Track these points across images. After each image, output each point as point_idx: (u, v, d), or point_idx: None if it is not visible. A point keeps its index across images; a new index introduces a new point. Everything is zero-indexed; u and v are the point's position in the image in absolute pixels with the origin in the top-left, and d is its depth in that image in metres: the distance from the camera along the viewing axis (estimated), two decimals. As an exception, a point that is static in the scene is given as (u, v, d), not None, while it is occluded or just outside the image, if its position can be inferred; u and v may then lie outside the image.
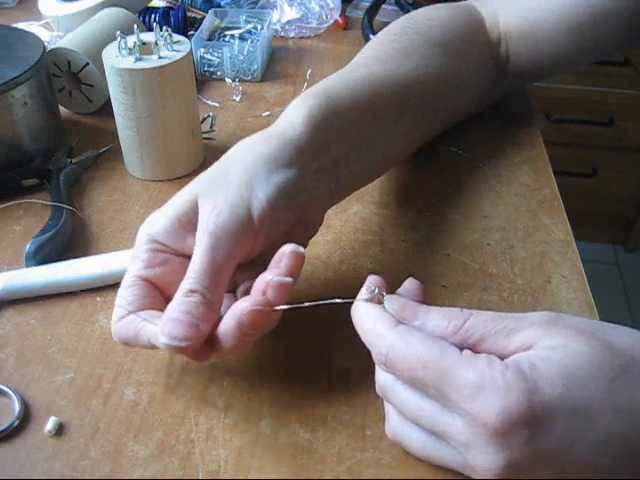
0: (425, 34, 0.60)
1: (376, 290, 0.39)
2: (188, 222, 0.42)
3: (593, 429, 0.32)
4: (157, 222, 0.43)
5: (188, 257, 0.42)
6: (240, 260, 0.42)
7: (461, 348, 0.35)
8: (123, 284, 0.43)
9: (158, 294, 0.43)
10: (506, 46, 0.64)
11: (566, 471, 0.33)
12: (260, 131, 0.47)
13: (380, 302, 0.38)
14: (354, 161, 0.50)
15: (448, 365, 0.33)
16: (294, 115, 0.47)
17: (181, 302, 0.39)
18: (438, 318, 0.36)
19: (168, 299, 0.41)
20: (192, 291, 0.39)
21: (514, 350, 0.35)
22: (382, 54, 0.58)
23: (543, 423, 0.32)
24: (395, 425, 0.38)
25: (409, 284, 0.40)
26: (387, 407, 0.39)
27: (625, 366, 0.33)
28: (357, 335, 0.47)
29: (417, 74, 0.56)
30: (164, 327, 0.38)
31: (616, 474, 0.33)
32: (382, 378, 0.38)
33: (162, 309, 0.41)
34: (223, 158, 0.45)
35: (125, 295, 0.42)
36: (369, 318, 0.37)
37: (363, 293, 0.39)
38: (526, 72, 0.66)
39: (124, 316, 0.41)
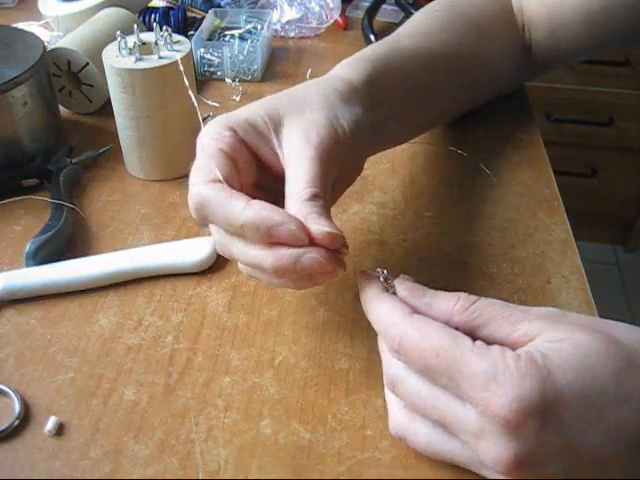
0: (463, 14, 0.63)
1: (385, 272, 0.40)
2: (265, 128, 0.43)
3: (603, 418, 0.32)
4: (237, 115, 0.43)
5: (253, 158, 0.43)
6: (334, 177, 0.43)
7: (465, 329, 0.36)
8: (205, 155, 0.41)
9: (235, 174, 0.41)
10: (529, 32, 0.66)
11: (575, 462, 0.33)
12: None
13: (389, 287, 0.39)
14: (393, 125, 0.52)
15: (461, 354, 0.34)
16: (348, 72, 0.48)
17: (312, 209, 0.39)
18: (446, 298, 0.37)
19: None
20: (316, 196, 0.39)
21: (517, 339, 0.35)
22: (425, 27, 0.60)
23: (555, 412, 0.32)
24: (399, 420, 0.38)
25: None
26: (390, 403, 0.39)
27: (630, 357, 0.34)
28: (357, 335, 0.47)
29: (456, 50, 0.59)
30: (317, 226, 0.38)
31: (624, 464, 0.33)
32: (392, 370, 0.38)
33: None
34: (293, 90, 0.46)
35: (209, 163, 0.40)
36: (383, 307, 0.38)
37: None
38: (546, 59, 0.67)
39: (209, 181, 0.40)
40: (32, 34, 0.66)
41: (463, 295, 0.37)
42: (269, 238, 0.38)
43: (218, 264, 0.53)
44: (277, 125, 0.43)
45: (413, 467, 0.39)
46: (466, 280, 0.52)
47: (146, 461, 0.40)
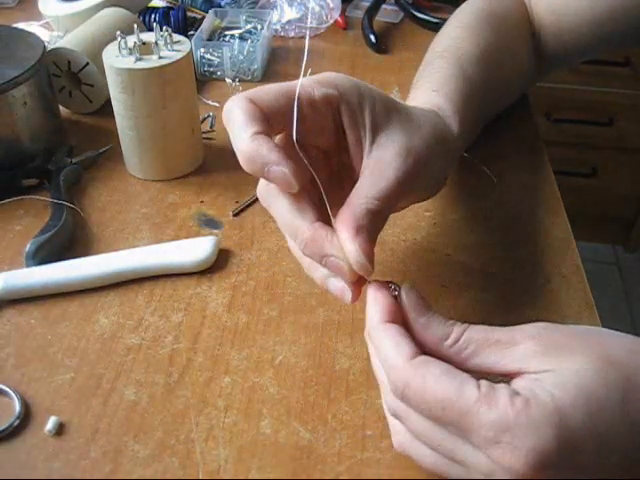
0: (498, 32, 0.63)
1: (392, 286, 0.38)
2: (368, 116, 0.42)
3: (615, 450, 0.32)
4: (354, 86, 0.42)
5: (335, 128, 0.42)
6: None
7: (455, 360, 0.35)
8: (275, 91, 0.40)
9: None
10: (538, 35, 0.66)
11: None
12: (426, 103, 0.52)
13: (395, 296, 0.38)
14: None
15: (467, 405, 0.32)
16: (453, 122, 0.51)
17: (368, 224, 0.39)
18: (441, 326, 0.36)
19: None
20: (379, 213, 0.40)
21: (505, 366, 0.34)
22: (474, 47, 0.60)
23: (570, 457, 0.31)
24: (403, 439, 0.38)
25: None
26: (392, 421, 0.39)
27: (630, 377, 0.33)
28: (357, 335, 0.47)
29: (500, 67, 0.62)
30: (358, 251, 0.38)
31: None
32: (394, 404, 0.36)
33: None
34: (412, 107, 0.47)
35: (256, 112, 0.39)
36: (385, 345, 0.36)
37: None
38: (553, 60, 0.68)
39: (254, 134, 0.38)
40: (32, 34, 0.66)
41: (456, 327, 0.36)
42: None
43: (218, 264, 0.53)
44: (380, 124, 0.42)
45: (413, 467, 0.39)
46: (466, 280, 0.52)
47: (146, 461, 0.40)
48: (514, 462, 0.31)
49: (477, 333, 0.35)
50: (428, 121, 0.46)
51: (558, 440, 0.31)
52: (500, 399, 0.32)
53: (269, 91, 0.41)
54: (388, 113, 0.43)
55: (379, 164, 0.41)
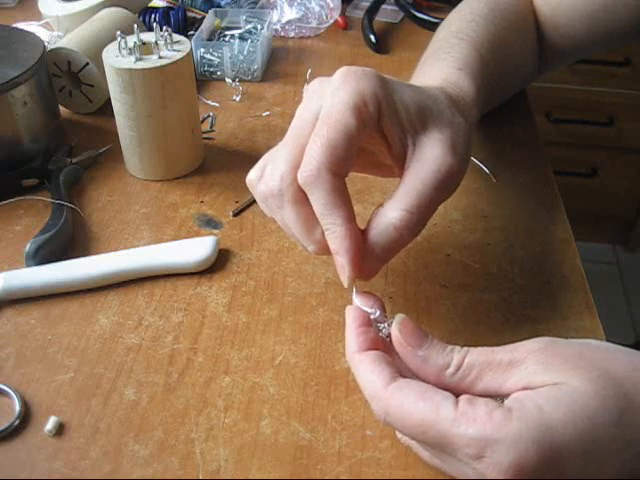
0: (509, 21, 0.64)
1: (377, 313, 0.38)
2: (410, 119, 0.42)
3: (605, 468, 0.31)
4: (389, 88, 0.41)
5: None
6: None
7: (459, 389, 0.35)
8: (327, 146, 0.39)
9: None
10: (539, 27, 0.67)
11: None
12: (446, 85, 0.50)
13: (379, 328, 0.38)
14: None
15: (446, 427, 0.32)
16: (473, 105, 0.51)
17: (392, 242, 0.41)
18: (440, 355, 0.35)
19: None
20: (410, 222, 0.40)
21: (512, 386, 0.34)
22: (494, 36, 0.61)
23: (554, 469, 0.31)
24: (405, 438, 0.39)
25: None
26: None
27: (629, 395, 0.32)
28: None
29: (506, 63, 0.63)
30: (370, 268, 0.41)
31: None
32: (383, 423, 0.36)
33: None
34: (432, 93, 0.45)
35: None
36: (363, 371, 0.36)
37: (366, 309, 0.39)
38: (554, 53, 0.68)
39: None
40: (32, 34, 0.66)
41: (455, 354, 0.35)
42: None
43: (218, 264, 0.53)
44: (421, 122, 0.42)
45: (413, 467, 0.39)
46: (466, 280, 0.52)
47: (146, 461, 0.40)
48: (497, 475, 0.31)
49: (478, 357, 0.35)
50: (440, 97, 0.46)
51: (539, 455, 0.30)
52: (478, 414, 0.32)
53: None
54: (424, 115, 0.42)
55: (424, 165, 0.41)
